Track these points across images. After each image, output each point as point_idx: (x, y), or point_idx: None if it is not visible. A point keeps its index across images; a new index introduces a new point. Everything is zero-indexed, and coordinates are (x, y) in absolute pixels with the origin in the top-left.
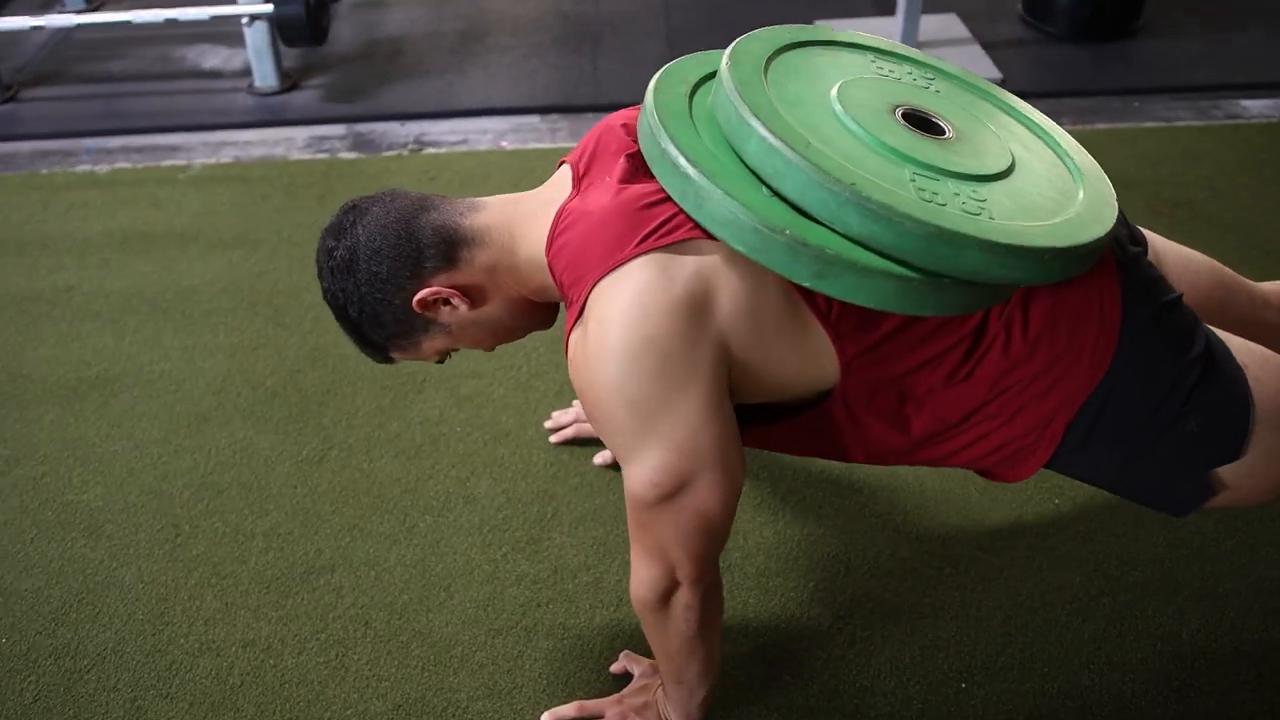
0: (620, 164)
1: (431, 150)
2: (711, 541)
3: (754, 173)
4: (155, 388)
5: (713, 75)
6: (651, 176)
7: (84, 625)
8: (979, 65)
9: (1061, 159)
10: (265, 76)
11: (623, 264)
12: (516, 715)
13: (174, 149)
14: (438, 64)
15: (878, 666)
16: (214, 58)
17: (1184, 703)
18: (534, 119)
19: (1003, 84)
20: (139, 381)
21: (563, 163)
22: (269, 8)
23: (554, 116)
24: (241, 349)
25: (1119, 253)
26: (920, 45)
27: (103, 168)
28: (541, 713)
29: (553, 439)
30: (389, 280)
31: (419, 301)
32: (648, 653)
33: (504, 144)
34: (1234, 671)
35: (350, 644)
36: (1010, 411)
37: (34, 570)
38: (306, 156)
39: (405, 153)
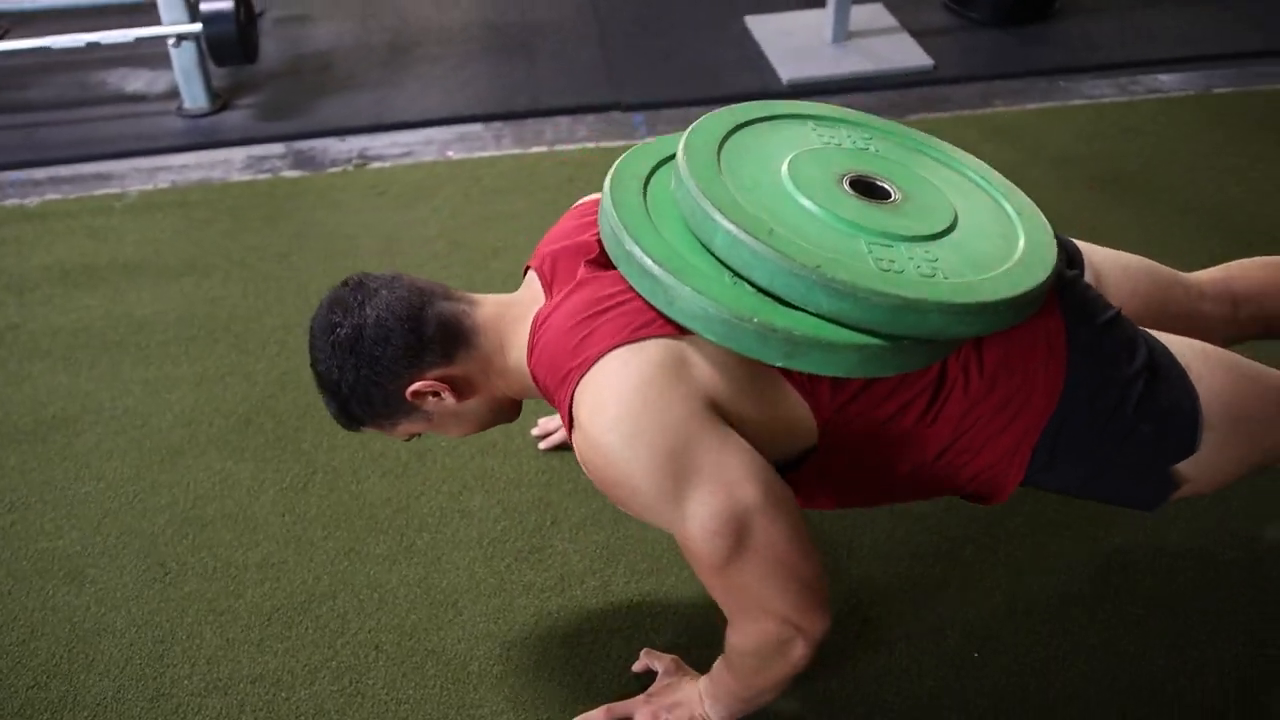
0: (582, 269)
1: (377, 164)
2: (802, 584)
3: (721, 262)
4: (120, 424)
5: (662, 164)
6: (612, 270)
7: (78, 675)
8: (910, 53)
9: (998, 202)
10: (195, 98)
11: (595, 361)
12: None
13: (105, 177)
14: (371, 77)
15: (890, 645)
16: (137, 81)
17: (1181, 657)
18: (477, 127)
19: (934, 70)
20: (101, 419)
21: (528, 268)
22: (198, 27)
23: (497, 124)
24: (207, 378)
25: (1055, 280)
26: (850, 36)
27: (31, 200)
28: None
29: (541, 446)
30: (388, 367)
31: (412, 392)
32: (667, 651)
33: (450, 153)
34: (1226, 626)
35: (363, 669)
36: (977, 446)
37: (15, 624)
38: (247, 177)
39: (350, 168)
